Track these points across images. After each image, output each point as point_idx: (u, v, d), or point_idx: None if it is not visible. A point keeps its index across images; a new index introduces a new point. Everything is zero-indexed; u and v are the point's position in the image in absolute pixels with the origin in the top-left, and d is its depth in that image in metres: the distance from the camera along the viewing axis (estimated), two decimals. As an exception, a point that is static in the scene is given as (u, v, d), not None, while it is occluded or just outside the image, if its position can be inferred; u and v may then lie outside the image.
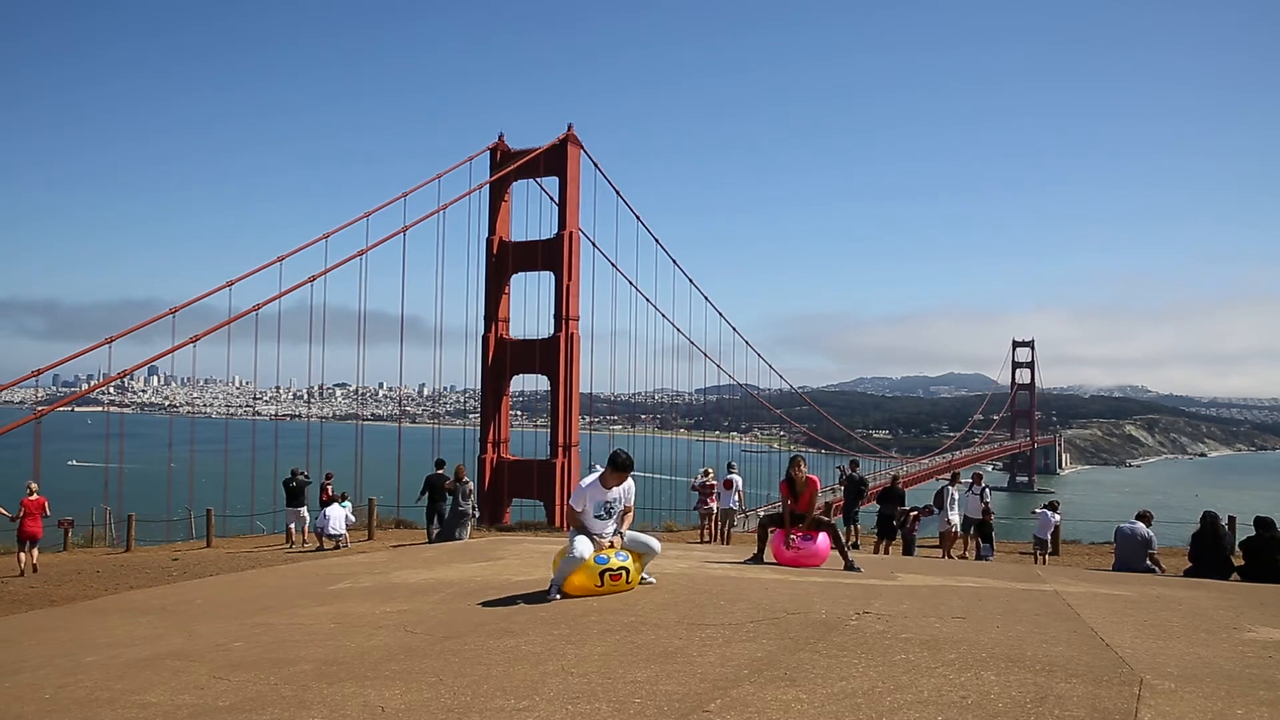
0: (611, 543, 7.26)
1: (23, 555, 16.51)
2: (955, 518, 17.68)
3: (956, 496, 17.91)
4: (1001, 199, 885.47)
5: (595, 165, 44.35)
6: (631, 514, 7.53)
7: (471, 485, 18.39)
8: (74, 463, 60.45)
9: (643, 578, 7.61)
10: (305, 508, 20.93)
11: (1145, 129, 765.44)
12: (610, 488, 7.29)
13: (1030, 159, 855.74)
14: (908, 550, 17.57)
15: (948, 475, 19.18)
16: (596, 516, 7.27)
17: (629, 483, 7.44)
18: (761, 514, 20.63)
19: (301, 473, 21.29)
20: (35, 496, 17.17)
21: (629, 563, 7.26)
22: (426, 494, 18.86)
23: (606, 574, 7.11)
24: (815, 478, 10.56)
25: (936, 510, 17.88)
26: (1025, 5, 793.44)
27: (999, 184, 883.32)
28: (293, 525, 20.94)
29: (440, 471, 19.00)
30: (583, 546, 7.09)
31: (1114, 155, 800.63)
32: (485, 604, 7.06)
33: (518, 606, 6.84)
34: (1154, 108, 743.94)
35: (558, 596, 7.06)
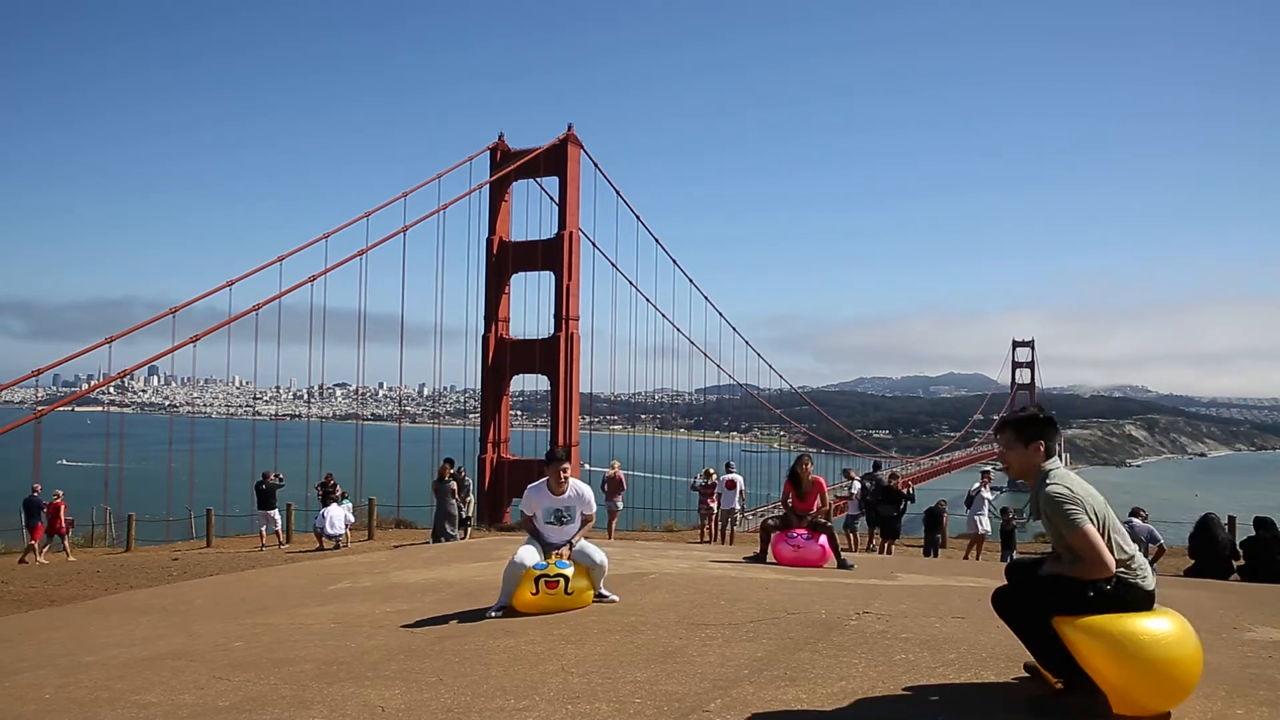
0: (560, 551, 6.63)
1: None
2: (984, 520, 17.44)
3: (988, 499, 17.67)
4: (966, 202, 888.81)
5: (595, 165, 44.38)
6: (591, 523, 6.86)
7: (454, 485, 18.10)
8: (64, 462, 60.34)
9: (602, 594, 6.92)
10: (276, 510, 21.02)
11: (1107, 130, 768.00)
12: (556, 491, 6.68)
13: (992, 161, 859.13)
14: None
15: (980, 476, 18.77)
16: (548, 523, 6.69)
17: (585, 488, 6.80)
18: (762, 514, 20.58)
19: (274, 475, 21.28)
20: None
21: (569, 571, 6.53)
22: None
23: (542, 580, 6.42)
24: (822, 479, 10.58)
25: (966, 510, 17.83)
26: (1008, 6, 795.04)
27: (965, 187, 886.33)
28: (264, 528, 20.99)
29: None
30: (525, 553, 6.51)
31: (1075, 156, 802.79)
32: (485, 604, 7.05)
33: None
34: (1114, 108, 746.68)
35: (496, 614, 6.48)
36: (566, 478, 6.73)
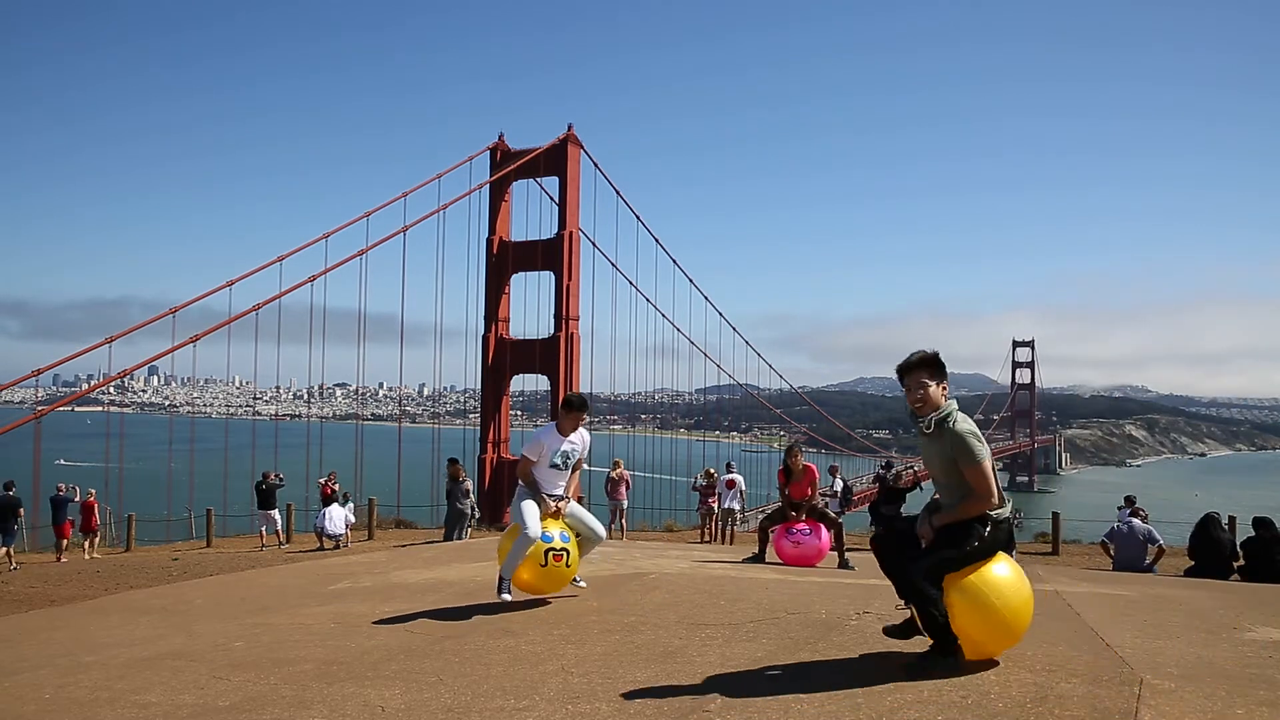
0: (558, 507, 6.72)
1: None
2: None
3: None
4: (966, 202, 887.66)
5: (595, 165, 44.42)
6: (580, 469, 7.05)
7: (469, 485, 18.28)
8: (61, 462, 60.28)
9: (574, 579, 7.06)
10: (276, 510, 21.07)
11: (1107, 130, 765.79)
12: (567, 433, 6.80)
13: (992, 161, 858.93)
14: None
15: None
16: (552, 466, 6.74)
17: (585, 434, 6.96)
18: (762, 515, 20.51)
19: (275, 475, 21.31)
20: None
21: (570, 544, 6.73)
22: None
23: (550, 553, 6.54)
24: (813, 465, 10.72)
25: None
26: (1008, 6, 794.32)
27: (964, 187, 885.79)
28: (264, 528, 21.03)
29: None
30: (533, 522, 6.52)
31: (1075, 156, 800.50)
32: (485, 604, 7.06)
33: (518, 606, 6.83)
34: (1114, 108, 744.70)
35: (508, 596, 6.59)
36: (579, 425, 6.90)
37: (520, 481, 6.84)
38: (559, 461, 6.78)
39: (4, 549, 18.00)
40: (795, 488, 10.44)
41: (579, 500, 7.35)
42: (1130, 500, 16.04)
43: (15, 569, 17.12)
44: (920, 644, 4.71)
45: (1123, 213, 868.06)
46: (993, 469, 4.37)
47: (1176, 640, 5.65)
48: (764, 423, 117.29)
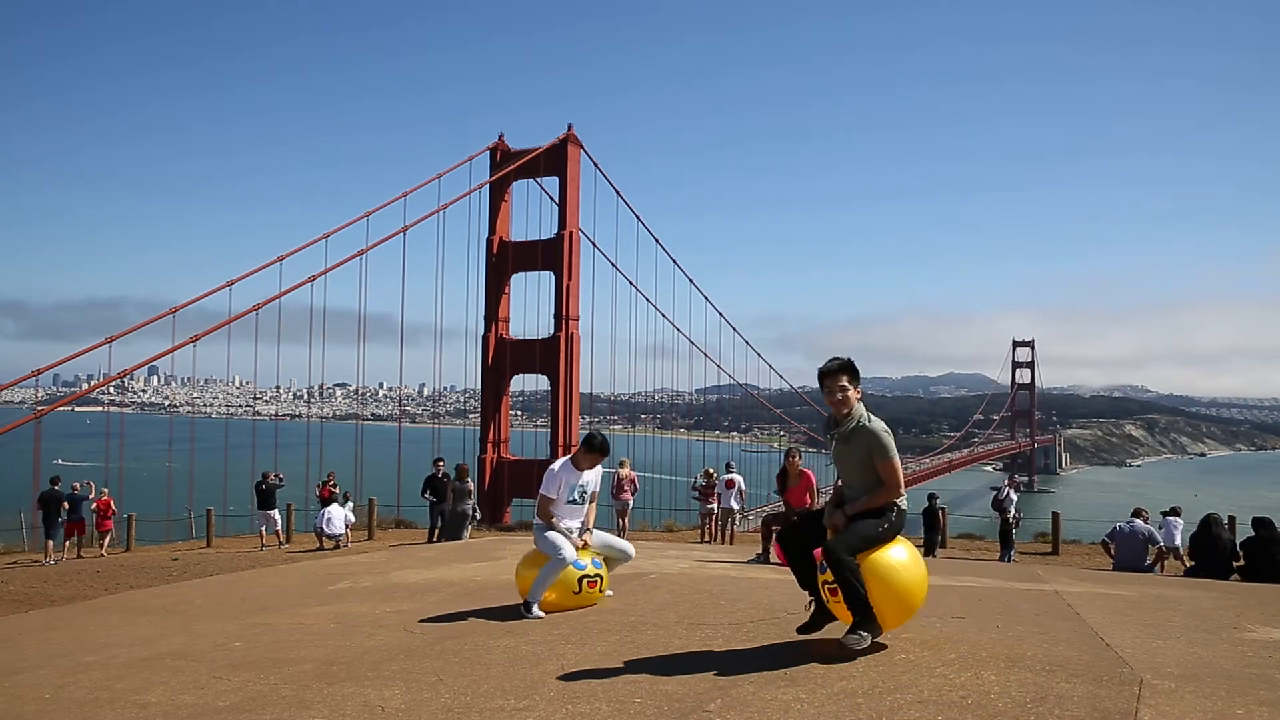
0: (584, 541, 6.73)
1: None
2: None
3: (1015, 498, 18.15)
4: (965, 202, 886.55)
5: (595, 165, 44.42)
6: (595, 502, 7.01)
7: (471, 486, 18.34)
8: (60, 461, 60.42)
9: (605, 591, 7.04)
10: (276, 510, 21.10)
11: (1106, 130, 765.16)
12: (583, 469, 6.77)
13: (990, 161, 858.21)
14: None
15: (1005, 478, 19.34)
16: (569, 502, 6.73)
17: (599, 468, 6.96)
18: (763, 514, 20.48)
19: (275, 475, 21.35)
20: None
21: (603, 570, 6.80)
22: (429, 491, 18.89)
23: (584, 580, 6.57)
24: (809, 471, 10.67)
25: (996, 513, 18.08)
26: (1008, 6, 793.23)
27: (963, 187, 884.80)
28: (264, 528, 21.06)
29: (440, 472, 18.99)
30: (567, 546, 6.52)
31: (1073, 156, 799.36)
32: (485, 604, 7.06)
33: (518, 606, 6.83)
34: (1114, 108, 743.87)
35: (542, 614, 6.46)
36: (596, 465, 6.90)
37: (538, 520, 6.80)
38: (576, 497, 6.75)
39: (48, 542, 18.37)
40: (793, 493, 10.43)
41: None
42: (1175, 510, 16.12)
43: (15, 565, 17.16)
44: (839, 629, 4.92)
45: (1118, 213, 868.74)
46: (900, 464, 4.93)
47: (1176, 640, 5.65)
48: (764, 423, 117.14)
